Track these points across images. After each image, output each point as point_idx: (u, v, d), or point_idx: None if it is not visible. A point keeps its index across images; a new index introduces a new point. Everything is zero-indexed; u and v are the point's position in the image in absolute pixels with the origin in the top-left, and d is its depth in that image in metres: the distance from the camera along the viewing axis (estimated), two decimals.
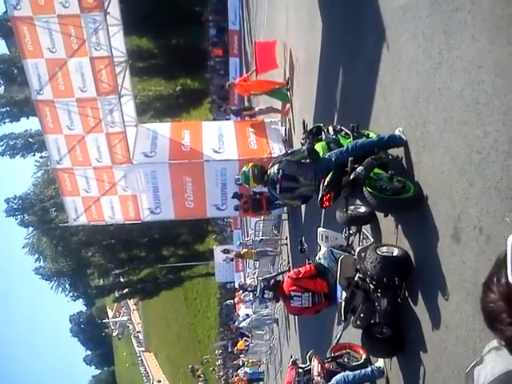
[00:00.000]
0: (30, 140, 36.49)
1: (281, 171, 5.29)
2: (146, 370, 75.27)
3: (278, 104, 13.12)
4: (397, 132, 5.07)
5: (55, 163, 12.05)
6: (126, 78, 12.12)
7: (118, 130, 11.31)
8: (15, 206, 40.25)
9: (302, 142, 6.14)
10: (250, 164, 5.86)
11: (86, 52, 10.45)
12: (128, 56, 12.44)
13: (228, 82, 14.30)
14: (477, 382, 1.67)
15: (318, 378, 6.51)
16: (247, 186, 6.02)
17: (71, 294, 53.16)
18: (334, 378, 6.03)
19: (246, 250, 17.94)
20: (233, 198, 12.06)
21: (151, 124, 14.53)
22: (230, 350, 35.50)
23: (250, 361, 25.73)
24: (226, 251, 22.14)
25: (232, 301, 28.47)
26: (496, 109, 3.38)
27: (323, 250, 5.99)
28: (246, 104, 20.59)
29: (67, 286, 50.61)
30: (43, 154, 36.37)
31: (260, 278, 12.52)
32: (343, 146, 5.30)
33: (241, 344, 24.49)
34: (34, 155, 38.97)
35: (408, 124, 4.92)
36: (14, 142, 36.84)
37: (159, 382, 71.41)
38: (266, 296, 6.09)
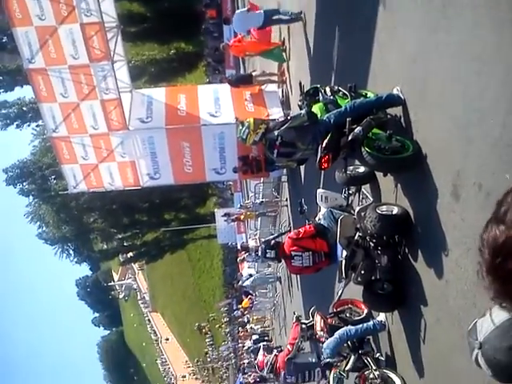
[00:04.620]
0: (24, 109, 36.07)
1: (279, 138, 5.27)
2: (153, 330, 77.06)
3: (274, 66, 12.92)
4: (395, 91, 5.03)
5: (51, 132, 11.98)
6: (118, 43, 11.89)
7: (113, 97, 11.18)
8: (14, 175, 40.15)
9: (300, 103, 6.10)
10: (252, 121, 5.76)
11: (75, 18, 10.21)
12: (119, 21, 12.16)
13: (222, 43, 13.97)
14: (480, 332, 1.72)
15: (321, 332, 6.70)
16: (244, 143, 6.01)
17: (76, 259, 53.88)
18: (336, 333, 6.20)
19: (244, 215, 18.10)
20: (239, 159, 12.09)
21: (146, 89, 14.35)
22: (234, 307, 36.23)
23: (255, 318, 26.31)
24: (226, 215, 22.25)
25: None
26: (495, 66, 3.35)
27: (323, 210, 6.05)
28: (242, 68, 20.23)
29: (71, 252, 51.21)
30: (39, 122, 36.02)
31: (262, 240, 12.71)
32: (341, 107, 5.27)
33: (245, 302, 24.95)
34: (29, 125, 38.66)
35: (406, 82, 4.87)
36: (7, 110, 36.44)
37: (167, 339, 73.23)
38: (268, 256, 6.20)
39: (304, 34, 9.90)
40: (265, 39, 11.42)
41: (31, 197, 42.40)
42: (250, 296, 23.98)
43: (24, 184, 40.34)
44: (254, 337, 23.48)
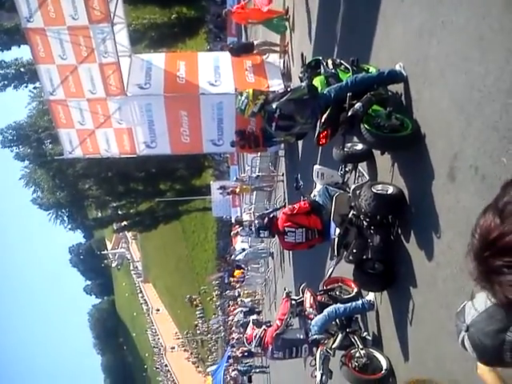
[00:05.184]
0: (22, 70, 35.50)
1: (278, 110, 5.17)
2: (144, 300, 77.82)
3: (276, 35, 12.68)
4: (397, 67, 4.93)
5: (48, 94, 11.80)
6: (118, 5, 11.62)
7: (112, 61, 10.97)
8: (10, 137, 39.70)
9: (301, 75, 5.98)
10: (251, 92, 5.66)
11: None
12: None
13: (225, 9, 13.67)
14: (467, 315, 1.71)
15: (310, 309, 6.70)
16: (242, 115, 5.94)
17: (70, 226, 53.87)
18: (325, 310, 6.22)
19: (239, 188, 18.05)
20: (236, 134, 11.93)
21: (145, 54, 14.10)
22: (226, 281, 36.48)
23: (246, 292, 26.53)
24: (222, 187, 22.18)
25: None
26: (500, 45, 3.25)
27: (318, 187, 6.00)
28: (244, 36, 19.89)
29: (65, 218, 51.15)
30: (36, 84, 35.49)
31: (256, 214, 12.67)
32: (342, 81, 5.16)
33: (238, 272, 25.07)
34: (26, 86, 38.08)
35: (409, 59, 4.77)
36: (4, 71, 35.86)
37: (158, 310, 74.09)
38: (261, 235, 6.21)
39: (308, 4, 9.68)
40: (266, 3, 11.07)
41: (27, 161, 42.08)
42: (242, 270, 24.12)
43: (20, 147, 39.96)
44: (245, 309, 23.71)
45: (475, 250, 1.09)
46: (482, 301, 1.64)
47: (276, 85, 11.41)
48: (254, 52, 12.10)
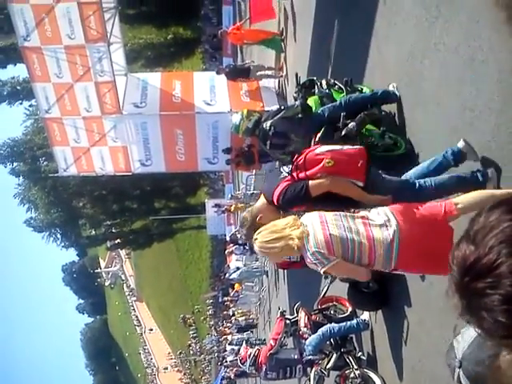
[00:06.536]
0: (18, 88, 35.67)
1: (272, 128, 5.21)
2: (137, 319, 76.93)
3: (271, 57, 12.81)
4: (390, 87, 4.99)
5: (44, 112, 11.83)
6: (115, 24, 11.71)
7: (108, 79, 11.04)
8: (5, 154, 39.68)
9: (295, 95, 6.04)
10: (245, 111, 5.73)
11: None
12: (117, 2, 12.00)
13: (221, 30, 13.80)
14: (457, 350, 1.70)
15: (305, 329, 6.66)
16: (237, 134, 5.98)
17: (63, 244, 53.53)
18: (320, 330, 6.17)
19: (234, 206, 18.04)
20: (223, 152, 11.92)
21: (141, 74, 14.20)
22: (220, 300, 36.21)
23: (240, 311, 26.30)
24: (216, 205, 22.17)
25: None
26: (491, 66, 3.30)
27: None
28: (239, 59, 20.07)
29: (59, 236, 50.84)
30: (32, 102, 35.67)
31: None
32: (336, 101, 5.21)
33: (237, 286, 24.77)
34: (21, 103, 38.26)
35: (402, 79, 4.83)
36: (0, 89, 36.07)
37: (151, 330, 73.20)
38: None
39: (303, 25, 9.80)
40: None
41: (22, 177, 42.02)
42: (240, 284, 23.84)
43: (14, 164, 39.96)
44: (238, 326, 23.47)
45: (456, 281, 1.10)
46: (470, 332, 1.64)
47: (270, 104, 11.46)
48: (250, 78, 12.07)
